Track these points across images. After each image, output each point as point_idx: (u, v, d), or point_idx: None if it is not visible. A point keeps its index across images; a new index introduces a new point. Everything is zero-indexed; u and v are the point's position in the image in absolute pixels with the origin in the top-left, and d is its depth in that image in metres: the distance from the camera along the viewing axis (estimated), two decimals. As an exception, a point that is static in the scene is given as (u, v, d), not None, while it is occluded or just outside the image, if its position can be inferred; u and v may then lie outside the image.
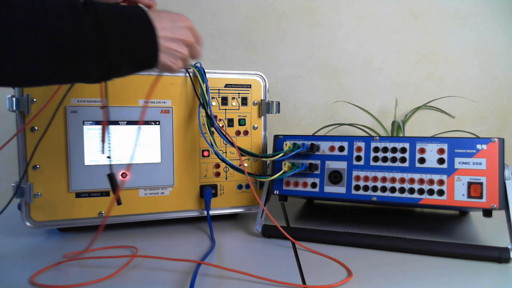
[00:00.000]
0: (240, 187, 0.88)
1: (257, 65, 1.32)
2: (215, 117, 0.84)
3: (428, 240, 0.69)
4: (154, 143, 0.81)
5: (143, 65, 0.52)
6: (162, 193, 0.83)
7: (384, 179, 0.74)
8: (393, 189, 0.74)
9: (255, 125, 0.88)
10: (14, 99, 0.72)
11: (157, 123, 0.81)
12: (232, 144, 0.79)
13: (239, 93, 0.87)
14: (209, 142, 0.80)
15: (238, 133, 0.87)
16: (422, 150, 0.73)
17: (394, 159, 0.74)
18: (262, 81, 0.88)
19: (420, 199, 0.72)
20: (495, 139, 0.68)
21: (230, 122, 0.87)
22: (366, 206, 1.02)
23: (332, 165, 0.79)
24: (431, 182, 0.71)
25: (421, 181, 0.72)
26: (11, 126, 0.85)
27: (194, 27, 0.57)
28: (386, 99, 1.37)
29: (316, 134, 1.30)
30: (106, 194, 0.79)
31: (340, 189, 0.77)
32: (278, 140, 0.84)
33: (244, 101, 0.87)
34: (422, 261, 0.66)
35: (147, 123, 0.80)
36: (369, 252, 0.70)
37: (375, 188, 0.75)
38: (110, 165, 0.74)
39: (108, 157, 0.75)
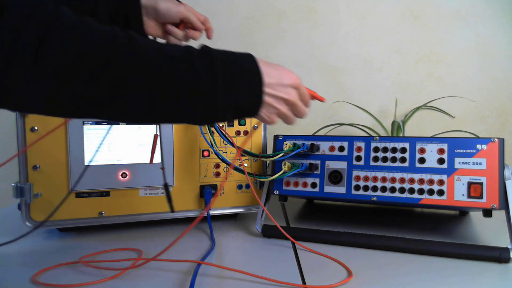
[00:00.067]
0: (240, 187, 0.88)
1: (257, 65, 1.32)
2: (215, 117, 0.84)
3: (428, 240, 0.69)
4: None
5: (244, 115, 0.53)
6: (162, 193, 0.82)
7: (384, 179, 0.74)
8: (393, 189, 0.74)
9: (255, 125, 0.88)
10: (14, 99, 0.72)
11: (157, 123, 0.81)
12: (232, 144, 0.79)
13: (239, 93, 0.87)
14: (209, 142, 0.80)
15: (238, 133, 0.87)
16: (422, 150, 0.73)
17: (394, 159, 0.74)
18: (262, 81, 0.88)
19: (420, 199, 0.72)
20: (495, 139, 0.68)
21: (230, 122, 0.87)
22: (366, 206, 1.02)
23: (332, 165, 0.79)
24: (431, 182, 0.71)
25: (421, 181, 0.72)
26: (11, 126, 0.85)
27: (302, 84, 0.57)
28: (386, 99, 1.37)
29: (316, 134, 1.30)
30: (106, 194, 0.79)
31: (340, 189, 0.77)
32: (278, 140, 0.84)
33: (244, 101, 0.87)
34: (422, 261, 0.66)
35: (147, 123, 0.80)
36: (369, 252, 0.70)
37: (375, 188, 0.75)
38: (164, 175, 0.75)
39: (162, 168, 0.75)
